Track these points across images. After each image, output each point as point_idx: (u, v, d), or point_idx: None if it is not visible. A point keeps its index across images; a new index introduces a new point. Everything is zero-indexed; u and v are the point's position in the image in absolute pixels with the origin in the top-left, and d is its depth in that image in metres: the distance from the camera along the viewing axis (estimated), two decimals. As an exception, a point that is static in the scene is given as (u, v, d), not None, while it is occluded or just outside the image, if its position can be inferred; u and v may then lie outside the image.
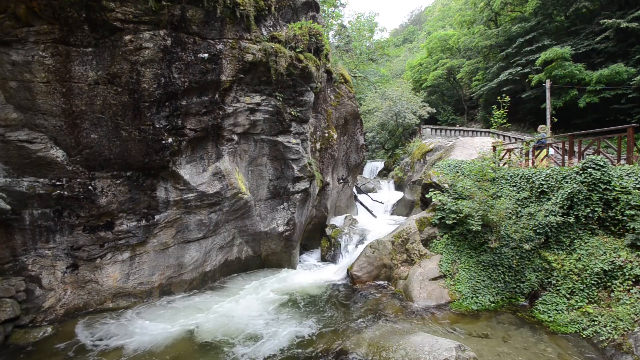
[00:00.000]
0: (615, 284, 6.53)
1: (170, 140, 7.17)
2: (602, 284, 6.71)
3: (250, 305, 7.89)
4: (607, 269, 6.69)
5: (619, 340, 5.67)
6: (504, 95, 10.75)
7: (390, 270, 9.21)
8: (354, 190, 17.32)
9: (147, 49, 6.51)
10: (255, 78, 8.36)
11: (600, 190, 7.41)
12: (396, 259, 9.28)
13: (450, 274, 8.28)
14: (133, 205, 7.48)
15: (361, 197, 18.14)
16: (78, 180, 6.97)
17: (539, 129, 12.66)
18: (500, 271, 8.00)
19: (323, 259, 11.59)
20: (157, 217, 7.79)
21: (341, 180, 14.33)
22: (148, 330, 6.72)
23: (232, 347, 6.10)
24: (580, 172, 7.75)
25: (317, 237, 12.50)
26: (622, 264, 6.57)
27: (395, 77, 48.63)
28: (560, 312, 6.87)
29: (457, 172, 10.67)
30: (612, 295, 6.47)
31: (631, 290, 6.29)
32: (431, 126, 29.37)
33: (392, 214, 17.16)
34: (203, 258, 8.87)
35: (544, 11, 27.66)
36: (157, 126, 6.97)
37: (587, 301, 6.72)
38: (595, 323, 6.20)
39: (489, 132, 26.26)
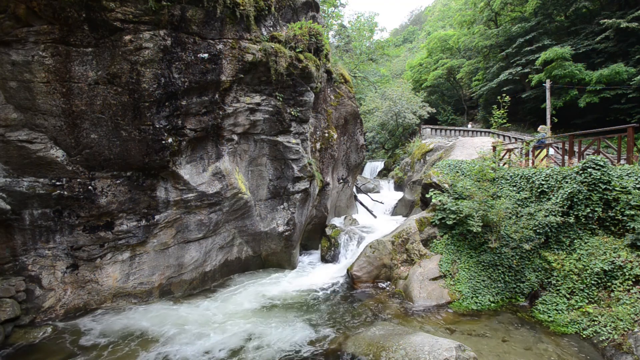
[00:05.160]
0: (615, 284, 6.53)
1: (170, 140, 7.17)
2: (602, 284, 6.71)
3: (249, 305, 7.89)
4: (607, 269, 6.69)
5: (619, 340, 5.67)
6: (504, 95, 10.76)
7: (390, 270, 9.21)
8: (354, 190, 17.32)
9: (147, 49, 6.51)
10: (255, 78, 8.36)
11: (600, 190, 7.41)
12: (396, 259, 9.27)
13: (450, 274, 8.28)
14: (133, 206, 7.48)
15: (361, 197, 18.13)
16: (78, 180, 6.97)
17: (539, 128, 12.67)
18: (500, 271, 8.00)
19: (323, 259, 11.58)
20: (157, 217, 7.79)
21: (341, 180, 14.33)
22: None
23: (231, 346, 6.10)
24: (580, 172, 7.75)
25: (317, 237, 12.50)
26: (622, 264, 6.57)
27: (395, 77, 48.61)
28: (560, 312, 6.87)
29: (457, 172, 10.66)
30: (612, 295, 6.47)
31: (631, 290, 6.29)
32: (431, 126, 29.31)
33: (392, 214, 17.16)
34: (203, 258, 8.87)
35: (544, 11, 27.65)
36: (157, 126, 6.97)
37: (587, 301, 6.71)
38: (595, 323, 6.20)
39: (489, 132, 26.26)
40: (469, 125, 31.81)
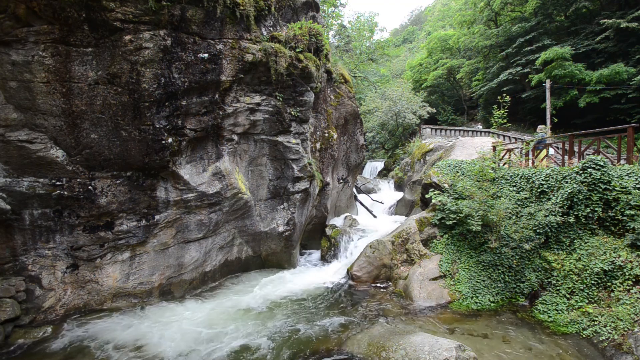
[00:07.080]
0: (615, 284, 6.53)
1: (170, 140, 7.17)
2: (602, 284, 6.71)
3: (249, 304, 7.89)
4: (607, 269, 6.69)
5: (619, 340, 5.67)
6: (504, 95, 10.77)
7: (390, 270, 9.21)
8: (354, 190, 17.32)
9: (147, 49, 6.51)
10: (255, 78, 8.36)
11: (600, 190, 7.41)
12: (396, 259, 9.27)
13: (450, 274, 8.28)
14: (133, 206, 7.48)
15: (361, 197, 18.13)
16: (78, 180, 6.97)
17: (538, 129, 12.68)
18: (500, 271, 8.00)
19: (323, 259, 11.58)
20: (157, 217, 7.79)
21: (341, 180, 14.33)
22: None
23: (227, 345, 6.11)
24: (580, 172, 7.75)
25: (317, 237, 12.50)
26: (622, 264, 6.57)
27: (395, 77, 48.63)
28: (560, 312, 6.87)
29: (457, 172, 10.66)
30: (612, 295, 6.47)
31: (631, 290, 6.29)
32: (431, 126, 29.30)
33: (392, 214, 17.16)
34: (203, 258, 8.87)
35: (544, 11, 27.66)
36: (157, 126, 6.97)
37: (587, 301, 6.71)
38: (595, 323, 6.20)
39: (489, 132, 26.26)
40: (479, 126, 31.81)
